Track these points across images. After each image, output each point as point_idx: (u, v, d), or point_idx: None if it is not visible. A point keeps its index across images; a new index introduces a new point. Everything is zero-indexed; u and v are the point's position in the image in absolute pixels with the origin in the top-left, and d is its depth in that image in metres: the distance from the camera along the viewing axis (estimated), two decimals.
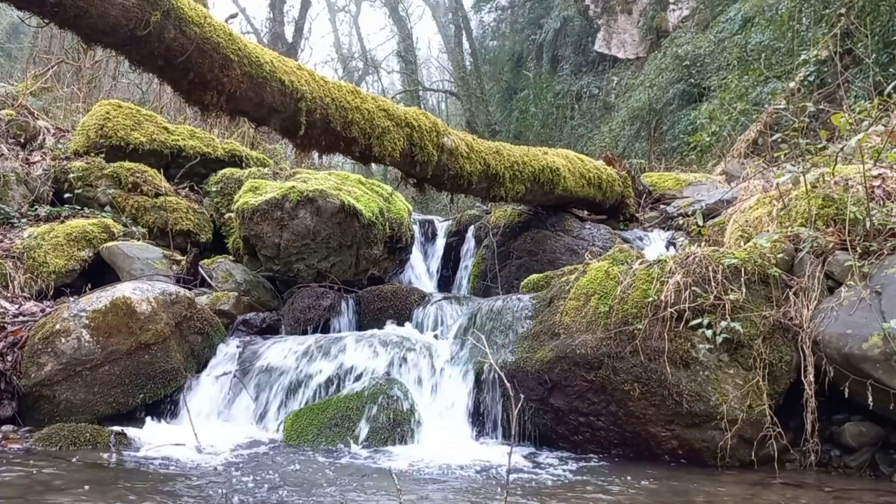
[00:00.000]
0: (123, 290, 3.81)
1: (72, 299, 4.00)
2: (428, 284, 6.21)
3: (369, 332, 4.28)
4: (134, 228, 5.39)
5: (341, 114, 4.08)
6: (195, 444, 3.21)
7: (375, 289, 4.83)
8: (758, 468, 3.02)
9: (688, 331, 3.16)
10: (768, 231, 3.78)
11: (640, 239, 5.74)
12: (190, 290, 4.49)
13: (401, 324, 4.52)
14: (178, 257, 5.21)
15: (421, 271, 6.36)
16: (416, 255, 6.30)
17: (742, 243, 3.85)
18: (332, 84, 4.14)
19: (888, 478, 2.90)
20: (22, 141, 6.31)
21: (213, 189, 6.24)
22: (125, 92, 10.49)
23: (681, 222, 5.93)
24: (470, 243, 6.26)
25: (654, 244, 5.57)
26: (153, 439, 3.26)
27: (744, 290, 3.19)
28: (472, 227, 6.32)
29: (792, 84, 8.93)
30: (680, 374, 3.11)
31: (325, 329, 4.56)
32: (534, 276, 4.54)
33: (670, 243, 5.50)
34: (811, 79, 8.76)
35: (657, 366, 3.14)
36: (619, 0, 17.58)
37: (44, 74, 8.28)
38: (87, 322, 3.55)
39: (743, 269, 3.25)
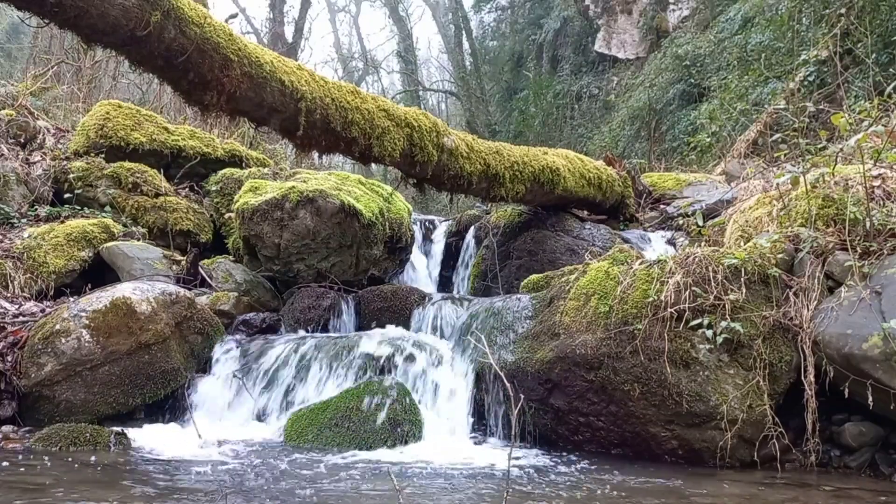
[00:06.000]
0: (123, 290, 3.81)
1: (72, 299, 4.00)
2: (428, 284, 6.20)
3: (369, 331, 4.28)
4: (134, 228, 5.39)
5: (341, 114, 4.08)
6: (195, 443, 3.21)
7: (375, 289, 4.83)
8: (758, 468, 3.02)
9: (688, 331, 3.16)
10: (768, 231, 3.78)
11: (640, 239, 5.74)
12: (190, 290, 4.48)
13: (402, 325, 4.52)
14: (178, 257, 5.21)
15: (421, 271, 6.36)
16: (416, 255, 6.30)
17: (742, 243, 3.85)
18: (332, 84, 4.14)
19: (888, 478, 2.90)
20: (22, 141, 6.31)
21: (213, 189, 6.24)
22: (125, 92, 10.50)
23: (681, 222, 5.93)
24: (470, 243, 6.26)
25: (654, 244, 5.57)
26: (153, 439, 3.26)
27: (744, 291, 3.19)
28: (472, 227, 6.32)
29: (792, 84, 8.92)
30: (680, 374, 3.11)
31: (325, 329, 4.56)
32: (534, 276, 4.54)
33: (670, 243, 5.50)
34: (811, 79, 8.76)
35: (657, 366, 3.14)
36: (619, 0, 17.58)
37: (44, 74, 8.29)
38: (87, 322, 3.55)
39: (743, 270, 3.25)
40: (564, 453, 3.31)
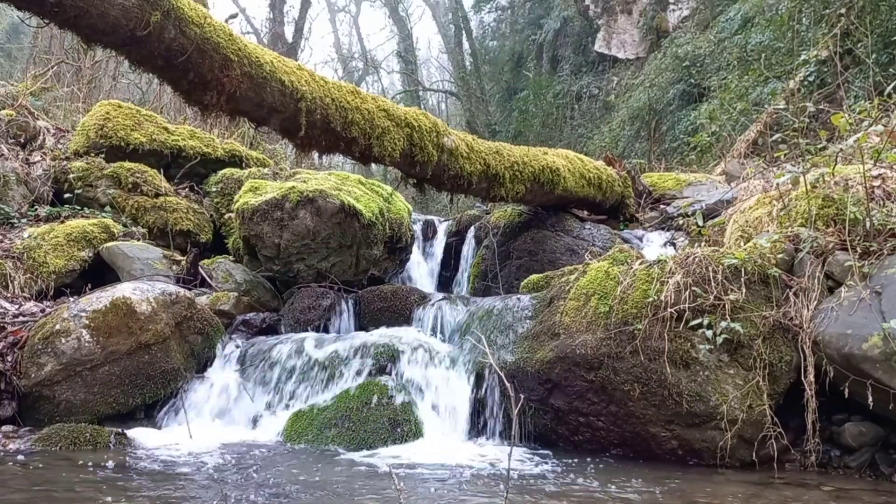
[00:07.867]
0: (123, 290, 3.81)
1: (72, 299, 3.99)
2: (428, 284, 6.20)
3: (369, 331, 4.28)
4: (134, 228, 5.39)
5: (341, 114, 4.08)
6: (195, 443, 3.21)
7: (375, 289, 4.83)
8: (758, 468, 3.02)
9: (688, 331, 3.16)
10: (768, 231, 3.78)
11: (640, 239, 5.74)
12: (190, 290, 4.48)
13: (402, 325, 4.51)
14: (178, 257, 5.21)
15: (421, 271, 6.36)
16: (416, 255, 6.30)
17: (742, 243, 3.85)
18: (332, 84, 4.14)
19: (888, 478, 2.90)
20: (22, 141, 6.31)
21: (213, 189, 6.24)
22: (125, 92, 10.50)
23: (681, 222, 5.93)
24: (470, 243, 6.26)
25: (654, 244, 5.56)
26: (153, 439, 3.27)
27: (744, 291, 3.19)
28: (472, 227, 6.32)
29: (792, 84, 8.92)
30: (680, 374, 3.11)
31: (325, 329, 4.56)
32: (534, 277, 4.54)
33: (670, 243, 5.50)
34: (811, 79, 8.76)
35: (657, 366, 3.14)
36: (619, 0, 17.58)
37: (44, 74, 8.29)
38: (87, 322, 3.55)
39: (743, 270, 3.25)
40: (564, 453, 3.31)
